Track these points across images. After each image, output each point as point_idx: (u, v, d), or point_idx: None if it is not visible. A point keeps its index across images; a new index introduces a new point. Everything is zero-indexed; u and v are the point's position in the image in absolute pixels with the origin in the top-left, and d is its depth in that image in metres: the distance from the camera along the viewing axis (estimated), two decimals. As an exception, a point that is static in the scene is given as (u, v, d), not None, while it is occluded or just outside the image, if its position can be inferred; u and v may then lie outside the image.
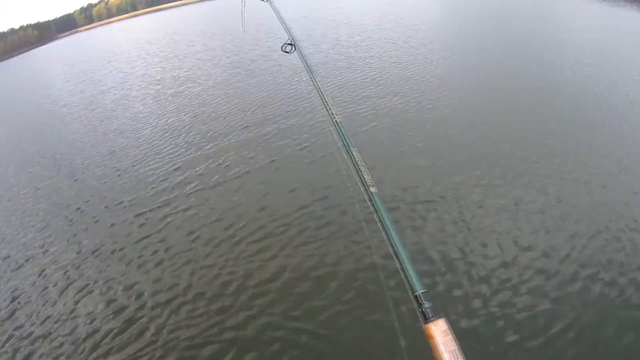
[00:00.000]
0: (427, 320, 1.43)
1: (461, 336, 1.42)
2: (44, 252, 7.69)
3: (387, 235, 1.73)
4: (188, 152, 10.57)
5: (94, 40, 61.34)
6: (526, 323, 4.57)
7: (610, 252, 5.40)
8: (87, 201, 9.25)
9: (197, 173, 9.29)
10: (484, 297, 4.94)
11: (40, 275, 7.11)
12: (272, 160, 9.08)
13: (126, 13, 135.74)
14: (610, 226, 5.82)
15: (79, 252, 7.44)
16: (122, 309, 5.91)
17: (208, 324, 5.35)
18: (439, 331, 1.37)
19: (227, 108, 13.32)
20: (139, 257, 6.90)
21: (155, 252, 6.92)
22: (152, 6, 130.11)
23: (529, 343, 4.36)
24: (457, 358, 1.31)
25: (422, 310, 1.47)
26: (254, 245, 6.53)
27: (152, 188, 9.04)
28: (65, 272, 7.00)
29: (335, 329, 4.87)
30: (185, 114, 13.75)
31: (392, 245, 1.69)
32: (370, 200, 1.90)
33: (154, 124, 13.58)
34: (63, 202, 9.50)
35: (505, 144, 8.20)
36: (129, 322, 5.65)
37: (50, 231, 8.39)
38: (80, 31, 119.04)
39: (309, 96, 11.50)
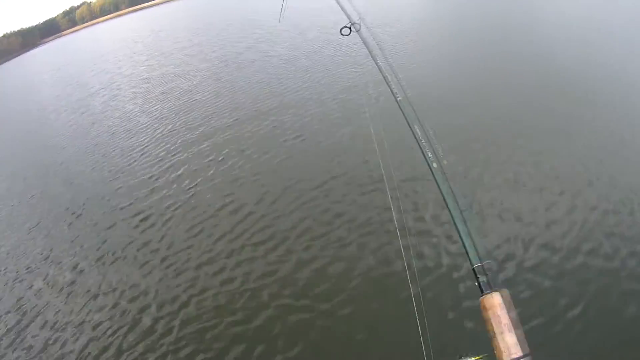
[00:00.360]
0: (483, 292, 1.41)
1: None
2: (45, 259, 7.55)
3: (448, 209, 1.74)
4: (184, 148, 10.40)
5: (79, 43, 60.45)
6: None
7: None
8: (83, 205, 9.07)
9: (193, 169, 9.16)
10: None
11: (44, 280, 6.97)
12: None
13: (109, 14, 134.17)
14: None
15: (80, 256, 7.29)
16: (126, 311, 5.81)
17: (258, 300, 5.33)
18: (494, 304, 1.34)
19: (216, 103, 13.14)
20: (143, 257, 6.78)
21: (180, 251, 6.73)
22: (135, 5, 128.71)
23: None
24: (511, 330, 1.28)
25: (477, 283, 1.46)
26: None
27: (157, 180, 8.96)
28: (68, 277, 6.86)
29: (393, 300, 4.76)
30: (175, 111, 13.56)
31: (452, 220, 1.70)
32: (432, 175, 1.92)
33: (145, 122, 13.37)
34: (61, 207, 9.32)
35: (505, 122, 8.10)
36: (139, 321, 5.55)
37: (50, 238, 8.23)
38: (64, 35, 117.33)
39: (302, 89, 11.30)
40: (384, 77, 2.62)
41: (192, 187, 8.35)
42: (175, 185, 8.62)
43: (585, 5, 14.73)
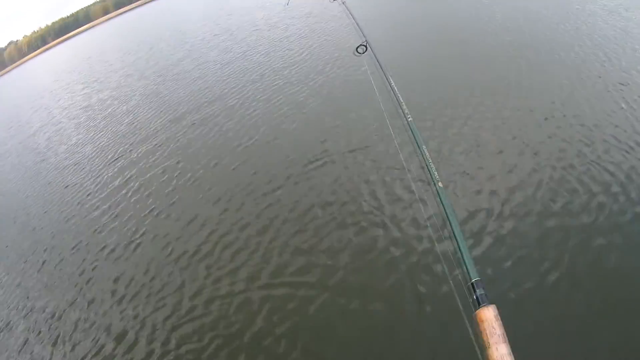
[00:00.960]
0: (479, 305, 1.47)
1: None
2: (25, 311, 7.09)
3: (451, 228, 1.85)
4: (139, 170, 10.02)
5: (12, 83, 58.19)
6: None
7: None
8: (45, 250, 8.59)
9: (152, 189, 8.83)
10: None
11: (28, 331, 6.56)
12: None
13: (37, 49, 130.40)
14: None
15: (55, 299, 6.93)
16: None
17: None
18: (490, 316, 1.38)
19: (160, 119, 12.87)
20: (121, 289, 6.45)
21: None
22: (62, 35, 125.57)
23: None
24: (504, 341, 1.33)
25: (475, 296, 1.53)
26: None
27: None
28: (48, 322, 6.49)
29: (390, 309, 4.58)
30: (121, 134, 13.19)
31: (455, 238, 1.82)
32: (437, 195, 2.08)
33: (91, 151, 12.91)
34: (25, 253, 8.82)
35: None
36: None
37: (22, 288, 7.75)
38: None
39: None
40: (397, 98, 2.69)
41: (154, 208, 8.03)
42: (138, 208, 8.30)
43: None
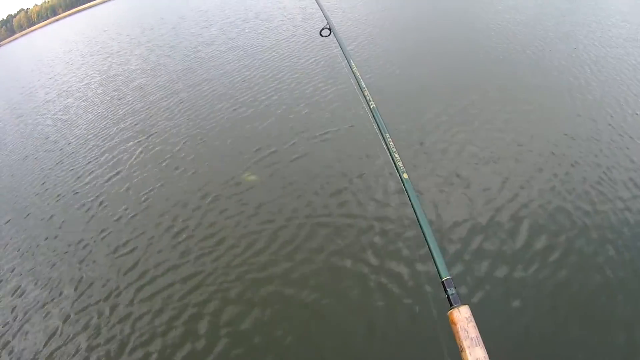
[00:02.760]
0: (451, 306, 1.39)
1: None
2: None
3: (418, 222, 1.70)
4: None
5: (24, 50, 54.58)
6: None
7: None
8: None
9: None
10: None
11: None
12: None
13: (47, 19, 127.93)
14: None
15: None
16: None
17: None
18: (462, 317, 1.33)
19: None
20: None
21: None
22: (72, 8, 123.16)
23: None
24: (478, 344, 1.27)
25: (447, 296, 1.44)
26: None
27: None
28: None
29: (360, 310, 4.37)
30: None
31: (422, 234, 1.66)
32: (403, 186, 1.86)
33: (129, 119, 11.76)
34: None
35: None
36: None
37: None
38: (2, 45, 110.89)
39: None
40: (358, 83, 2.50)
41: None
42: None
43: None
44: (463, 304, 1.36)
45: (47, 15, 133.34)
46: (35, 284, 6.12)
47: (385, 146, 2.03)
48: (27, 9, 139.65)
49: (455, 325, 1.31)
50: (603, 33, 9.72)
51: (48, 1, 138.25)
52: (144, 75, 15.89)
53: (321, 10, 3.98)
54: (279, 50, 13.24)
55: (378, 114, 2.22)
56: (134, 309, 5.07)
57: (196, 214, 6.39)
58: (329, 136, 7.30)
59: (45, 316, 5.43)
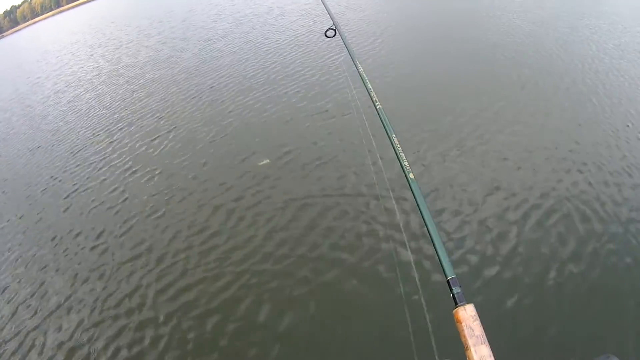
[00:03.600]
0: (456, 304, 1.41)
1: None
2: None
3: (424, 222, 1.71)
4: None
5: (29, 41, 53.41)
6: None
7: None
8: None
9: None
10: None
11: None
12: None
13: (50, 10, 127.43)
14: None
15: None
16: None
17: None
18: (468, 316, 1.34)
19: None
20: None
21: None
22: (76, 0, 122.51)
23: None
24: (483, 343, 1.28)
25: (452, 295, 1.45)
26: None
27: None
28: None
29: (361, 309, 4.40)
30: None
31: (428, 233, 1.67)
32: (409, 186, 1.87)
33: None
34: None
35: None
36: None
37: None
38: (6, 35, 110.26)
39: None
40: (364, 83, 2.52)
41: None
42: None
43: None
44: (468, 302, 1.37)
45: (51, 6, 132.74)
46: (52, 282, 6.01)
47: (392, 146, 2.04)
48: (31, 0, 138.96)
49: (461, 323, 1.33)
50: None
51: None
52: (157, 67, 15.90)
53: (327, 10, 4.04)
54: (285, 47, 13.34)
55: (384, 114, 2.24)
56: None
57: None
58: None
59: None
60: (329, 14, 3.81)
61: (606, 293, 4.03)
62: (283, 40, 14.25)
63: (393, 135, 2.08)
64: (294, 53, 12.50)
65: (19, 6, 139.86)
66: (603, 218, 4.82)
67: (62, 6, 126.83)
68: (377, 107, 2.31)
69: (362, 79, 2.58)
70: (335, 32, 3.38)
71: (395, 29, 13.30)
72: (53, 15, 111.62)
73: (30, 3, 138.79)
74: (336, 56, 10.72)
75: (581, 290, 4.08)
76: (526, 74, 8.39)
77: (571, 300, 4.01)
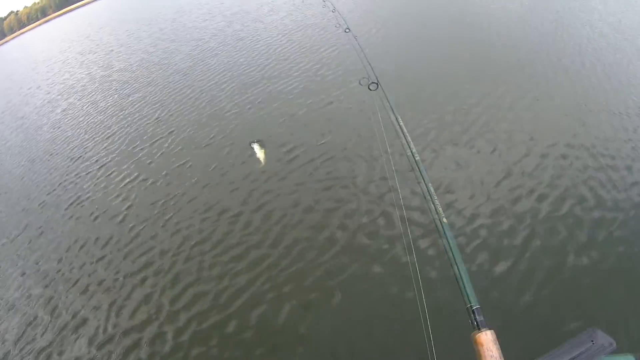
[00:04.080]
0: (479, 330, 1.56)
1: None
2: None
3: (453, 256, 1.86)
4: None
5: (18, 52, 52.34)
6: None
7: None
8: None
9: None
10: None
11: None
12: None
13: (37, 20, 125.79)
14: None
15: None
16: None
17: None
18: (488, 340, 1.50)
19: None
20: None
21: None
22: (62, 8, 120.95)
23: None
24: None
25: (475, 321, 1.62)
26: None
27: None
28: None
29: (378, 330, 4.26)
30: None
31: (455, 264, 1.84)
32: (442, 230, 2.01)
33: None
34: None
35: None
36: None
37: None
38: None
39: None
40: (402, 131, 2.67)
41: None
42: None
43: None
44: (489, 328, 1.53)
45: (37, 16, 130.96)
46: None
47: (427, 194, 2.20)
48: (17, 11, 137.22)
49: (482, 346, 1.48)
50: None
51: (38, 2, 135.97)
52: (151, 69, 15.91)
53: (368, 63, 4.18)
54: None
55: (422, 165, 2.40)
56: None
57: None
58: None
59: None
60: (371, 67, 4.01)
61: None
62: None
63: (429, 184, 2.23)
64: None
65: (5, 18, 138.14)
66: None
67: (48, 15, 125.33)
68: (416, 159, 2.45)
69: (402, 131, 2.67)
70: (378, 86, 3.48)
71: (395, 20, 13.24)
72: (40, 24, 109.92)
73: (16, 14, 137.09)
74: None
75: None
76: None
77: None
